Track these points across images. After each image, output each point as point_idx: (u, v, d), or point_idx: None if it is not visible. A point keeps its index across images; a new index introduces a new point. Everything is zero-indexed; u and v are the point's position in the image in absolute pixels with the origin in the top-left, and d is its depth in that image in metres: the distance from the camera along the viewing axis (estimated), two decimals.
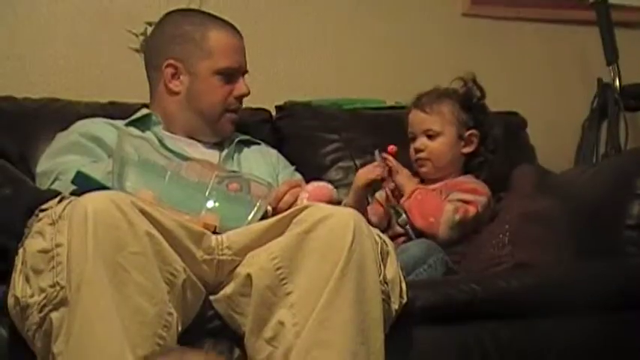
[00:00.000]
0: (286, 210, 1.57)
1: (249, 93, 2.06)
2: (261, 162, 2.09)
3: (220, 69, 2.01)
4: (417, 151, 2.13)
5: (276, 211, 1.67)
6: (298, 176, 2.12)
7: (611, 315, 1.78)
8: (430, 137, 2.12)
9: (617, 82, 2.70)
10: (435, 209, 2.02)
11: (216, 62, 2.01)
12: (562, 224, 1.95)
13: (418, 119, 2.15)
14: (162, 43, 2.06)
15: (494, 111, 2.24)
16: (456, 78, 2.17)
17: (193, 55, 2.01)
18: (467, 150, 2.14)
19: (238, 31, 2.07)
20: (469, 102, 2.15)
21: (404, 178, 2.09)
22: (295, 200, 1.75)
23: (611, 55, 2.68)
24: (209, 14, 2.10)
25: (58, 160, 1.88)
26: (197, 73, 2.02)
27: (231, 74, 2.03)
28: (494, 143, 2.16)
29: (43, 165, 1.91)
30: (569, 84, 2.87)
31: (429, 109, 2.13)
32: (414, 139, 2.15)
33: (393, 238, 1.93)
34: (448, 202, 2.03)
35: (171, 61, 2.02)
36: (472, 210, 2.02)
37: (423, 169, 2.14)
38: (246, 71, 2.07)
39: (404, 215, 2.06)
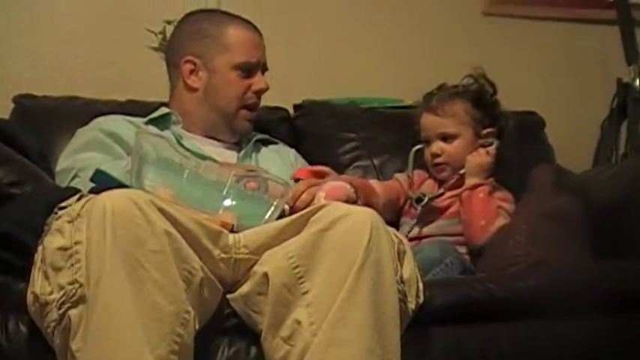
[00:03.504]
0: (303, 209, 1.57)
1: (267, 88, 2.06)
2: (278, 161, 2.10)
3: (238, 64, 2.02)
4: (434, 155, 2.08)
5: (293, 210, 1.68)
6: None
7: (630, 315, 1.76)
8: (446, 140, 2.07)
9: (638, 82, 2.67)
10: (489, 213, 1.97)
11: (233, 57, 2.02)
12: (580, 224, 1.93)
13: (431, 123, 2.09)
14: (181, 40, 2.07)
15: (513, 110, 2.23)
16: (466, 76, 2.12)
17: (211, 50, 2.02)
18: None
19: (257, 28, 2.08)
20: (482, 99, 2.09)
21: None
22: (312, 199, 1.75)
23: (632, 55, 2.66)
24: (228, 13, 2.12)
25: (77, 157, 1.90)
26: (215, 68, 2.03)
27: (250, 69, 2.04)
28: (509, 137, 2.10)
29: (62, 162, 1.92)
30: (589, 83, 2.85)
31: (441, 112, 2.07)
32: (428, 142, 2.10)
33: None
34: (501, 215, 1.98)
35: (190, 57, 2.03)
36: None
37: (443, 174, 2.09)
38: (266, 69, 2.08)
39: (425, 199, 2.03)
